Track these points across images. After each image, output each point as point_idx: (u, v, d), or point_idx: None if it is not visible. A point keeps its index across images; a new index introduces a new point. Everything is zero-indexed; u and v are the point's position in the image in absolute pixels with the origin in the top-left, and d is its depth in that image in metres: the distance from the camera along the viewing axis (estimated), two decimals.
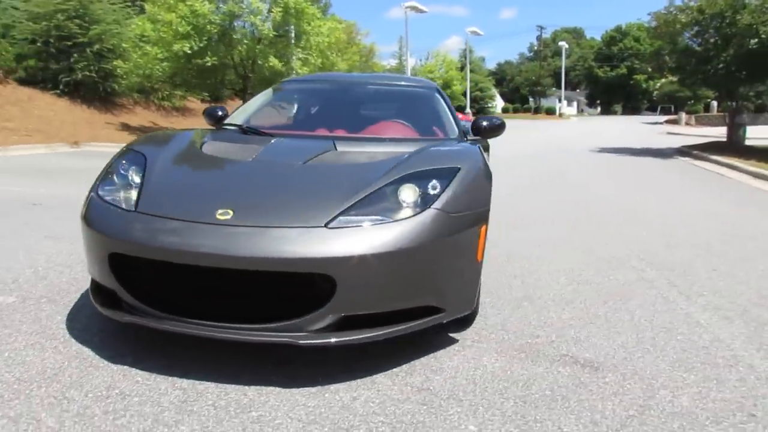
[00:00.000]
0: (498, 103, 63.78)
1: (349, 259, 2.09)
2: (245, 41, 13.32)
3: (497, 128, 3.64)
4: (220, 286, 2.22)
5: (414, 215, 2.25)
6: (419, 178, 2.42)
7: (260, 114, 3.73)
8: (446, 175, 2.46)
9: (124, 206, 2.39)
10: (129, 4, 17.51)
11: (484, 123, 3.64)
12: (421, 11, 39.99)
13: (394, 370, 2.31)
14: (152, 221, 2.26)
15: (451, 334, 2.67)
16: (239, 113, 3.78)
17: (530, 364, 2.43)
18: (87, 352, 2.39)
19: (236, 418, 1.94)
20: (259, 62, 13.57)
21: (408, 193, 2.34)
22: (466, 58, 44.65)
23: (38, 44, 16.07)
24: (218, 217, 2.21)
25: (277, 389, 2.13)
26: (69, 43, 15.94)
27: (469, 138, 3.51)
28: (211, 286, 2.22)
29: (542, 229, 5.19)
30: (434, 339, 2.60)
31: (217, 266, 2.11)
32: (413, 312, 2.28)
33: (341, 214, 2.22)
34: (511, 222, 5.36)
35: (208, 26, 12.87)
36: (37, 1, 16.07)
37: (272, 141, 3.03)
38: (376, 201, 2.30)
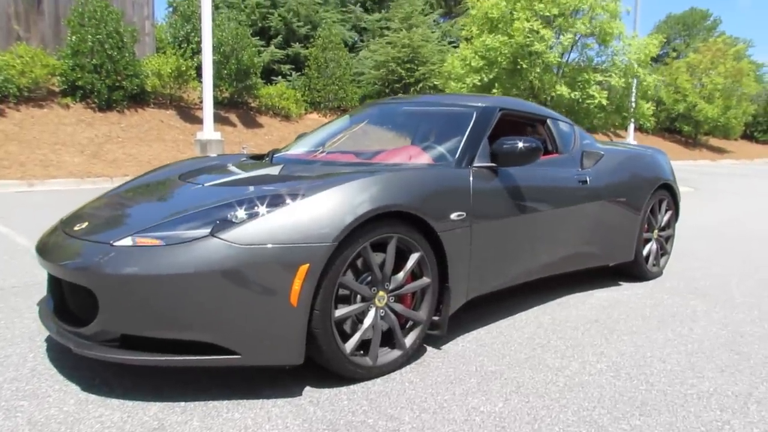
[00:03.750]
0: None
1: (107, 276, 2.09)
2: (536, 70, 13.07)
3: (520, 156, 2.94)
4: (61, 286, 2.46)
5: (188, 242, 2.09)
6: (246, 202, 2.24)
7: (310, 140, 3.81)
8: (275, 202, 2.21)
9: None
10: (455, 43, 19.10)
11: (504, 146, 2.98)
12: None
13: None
14: (53, 230, 2.65)
15: None
16: (302, 138, 3.93)
17: None
18: None
19: None
20: (546, 92, 13.15)
21: (211, 218, 2.18)
22: None
23: (377, 86, 18.87)
24: (75, 228, 2.46)
25: None
26: (398, 85, 18.26)
27: (475, 166, 2.94)
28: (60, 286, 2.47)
29: None
30: None
31: (50, 270, 2.38)
32: (203, 347, 2.11)
33: (141, 232, 2.21)
34: None
35: (499, 58, 13.09)
36: (380, 51, 18.93)
37: (235, 163, 3.15)
38: (180, 223, 2.22)
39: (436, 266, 2.61)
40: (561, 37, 12.90)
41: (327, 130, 3.86)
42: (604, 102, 12.88)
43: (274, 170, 2.92)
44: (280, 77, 18.44)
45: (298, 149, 3.63)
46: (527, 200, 3.16)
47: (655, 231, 4.42)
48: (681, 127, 30.72)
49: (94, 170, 10.76)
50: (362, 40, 21.64)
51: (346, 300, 2.35)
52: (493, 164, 3.00)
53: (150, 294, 2.06)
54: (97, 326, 2.15)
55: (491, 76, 13.37)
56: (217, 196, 2.46)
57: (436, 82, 17.09)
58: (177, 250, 2.08)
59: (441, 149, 3.15)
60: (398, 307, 2.50)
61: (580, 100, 13.10)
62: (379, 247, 2.40)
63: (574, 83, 13.21)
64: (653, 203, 4.32)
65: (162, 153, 12.66)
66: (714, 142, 33.33)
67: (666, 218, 4.54)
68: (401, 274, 2.48)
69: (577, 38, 13.46)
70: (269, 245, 2.09)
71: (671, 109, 29.41)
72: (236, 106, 16.43)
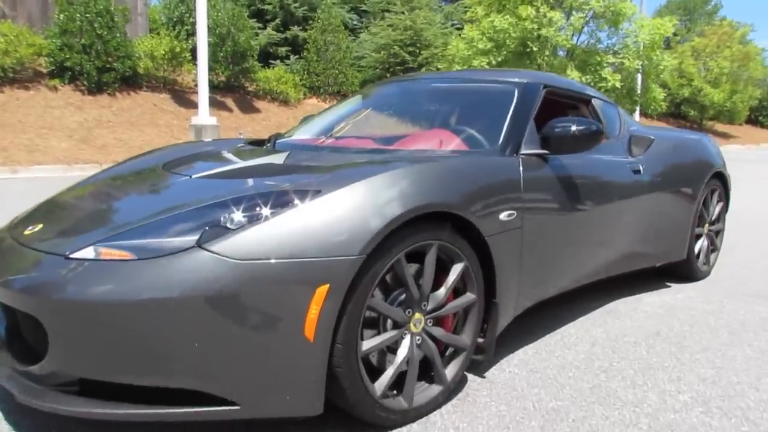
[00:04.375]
0: None
1: (57, 302, 1.56)
2: (546, 54, 12.49)
3: (575, 141, 2.42)
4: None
5: (167, 255, 1.56)
6: (244, 201, 1.70)
7: (318, 123, 3.27)
8: (281, 202, 1.67)
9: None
10: (458, 26, 18.46)
11: (556, 129, 2.45)
12: None
13: None
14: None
15: None
16: (309, 121, 3.40)
17: None
18: None
19: None
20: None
21: (199, 222, 1.65)
22: None
23: (378, 70, 18.24)
24: (25, 232, 1.93)
25: None
26: (401, 68, 17.65)
27: (523, 153, 2.40)
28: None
29: None
30: None
31: None
32: (189, 394, 1.58)
33: (106, 240, 1.68)
34: None
35: (507, 41, 12.50)
36: (382, 34, 18.29)
37: (231, 149, 2.62)
38: (157, 228, 1.68)
39: (482, 278, 2.08)
40: (571, 17, 12.32)
41: (338, 112, 3.32)
42: (618, 85, 12.35)
43: (278, 158, 2.38)
44: (277, 61, 17.80)
45: (305, 134, 3.09)
46: (582, 194, 2.64)
47: (706, 225, 3.91)
48: (686, 112, 30.13)
49: (82, 156, 10.20)
50: (362, 22, 20.95)
51: (373, 325, 1.83)
52: (545, 151, 2.47)
53: (115, 326, 1.53)
54: (47, 366, 1.62)
55: (499, 59, 12.79)
56: (207, 191, 1.93)
57: (439, 66, 16.49)
58: (152, 267, 1.54)
59: (478, 133, 2.62)
60: (437, 331, 1.98)
61: (592, 84, 12.55)
62: (413, 256, 1.88)
63: (585, 66, 12.65)
64: (706, 194, 3.80)
65: (155, 138, 12.08)
66: (719, 127, 32.74)
67: (717, 211, 4.03)
68: (442, 291, 1.95)
69: (588, 18, 12.88)
70: (273, 260, 1.55)
71: (676, 94, 28.79)
72: (232, 90, 15.81)
